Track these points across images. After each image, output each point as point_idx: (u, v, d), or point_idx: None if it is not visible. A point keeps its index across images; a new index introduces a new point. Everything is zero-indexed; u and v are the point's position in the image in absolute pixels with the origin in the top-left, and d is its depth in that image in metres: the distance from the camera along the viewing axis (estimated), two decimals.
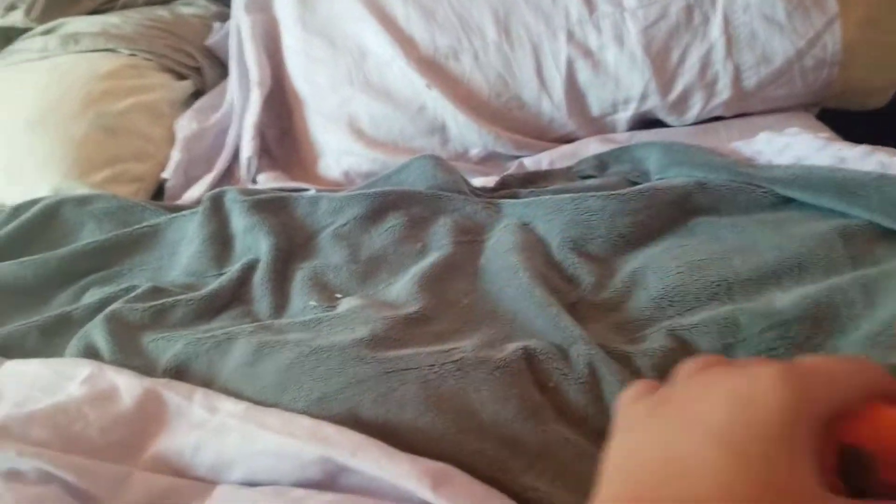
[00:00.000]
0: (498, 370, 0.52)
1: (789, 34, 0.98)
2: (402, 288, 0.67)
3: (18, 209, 0.85)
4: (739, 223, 0.68)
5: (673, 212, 0.70)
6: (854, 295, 0.55)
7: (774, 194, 0.70)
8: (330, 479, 0.48)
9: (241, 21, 1.13)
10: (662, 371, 0.52)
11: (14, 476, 0.47)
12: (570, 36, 1.01)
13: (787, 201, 0.70)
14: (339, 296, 0.67)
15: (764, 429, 0.24)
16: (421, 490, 0.44)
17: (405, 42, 1.03)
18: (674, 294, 0.60)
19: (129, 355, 0.61)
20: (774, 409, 0.24)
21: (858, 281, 0.56)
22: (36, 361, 0.60)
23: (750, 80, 1.00)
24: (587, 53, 1.01)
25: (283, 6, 1.12)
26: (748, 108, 1.04)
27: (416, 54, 1.03)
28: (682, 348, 0.54)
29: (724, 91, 1.00)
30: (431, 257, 0.70)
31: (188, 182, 1.03)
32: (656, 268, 0.63)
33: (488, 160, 1.04)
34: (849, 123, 1.08)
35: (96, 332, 0.63)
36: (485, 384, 0.50)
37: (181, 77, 1.18)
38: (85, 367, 0.57)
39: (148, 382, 0.55)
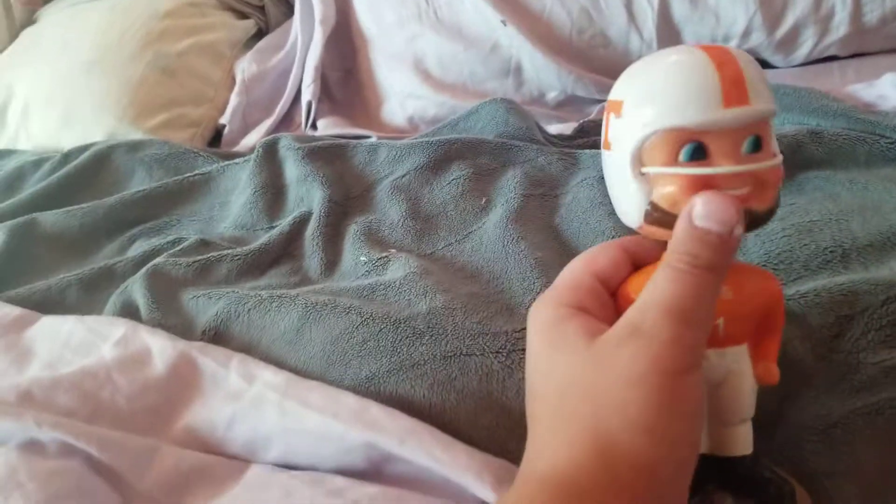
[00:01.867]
0: None
1: None
2: (462, 249, 0.61)
3: (69, 155, 0.82)
4: (859, 179, 0.58)
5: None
6: None
7: None
8: (374, 469, 0.43)
9: None
10: None
11: (33, 448, 0.43)
12: None
13: None
14: (392, 250, 0.61)
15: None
16: (479, 488, 0.38)
17: None
18: (778, 260, 0.51)
19: (168, 313, 0.57)
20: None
21: None
22: (72, 318, 0.56)
23: (872, 14, 0.87)
24: None
25: None
26: (868, 46, 0.91)
27: None
28: (789, 321, 0.46)
29: (840, 27, 0.88)
30: (496, 214, 0.63)
31: (247, 127, 0.99)
32: (759, 230, 0.54)
33: (567, 104, 0.95)
34: None
35: (136, 287, 0.59)
36: None
37: (243, 16, 1.13)
38: (120, 327, 0.53)
39: (182, 346, 0.50)
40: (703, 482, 0.32)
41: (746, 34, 0.89)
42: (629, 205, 0.32)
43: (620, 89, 0.32)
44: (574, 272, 0.33)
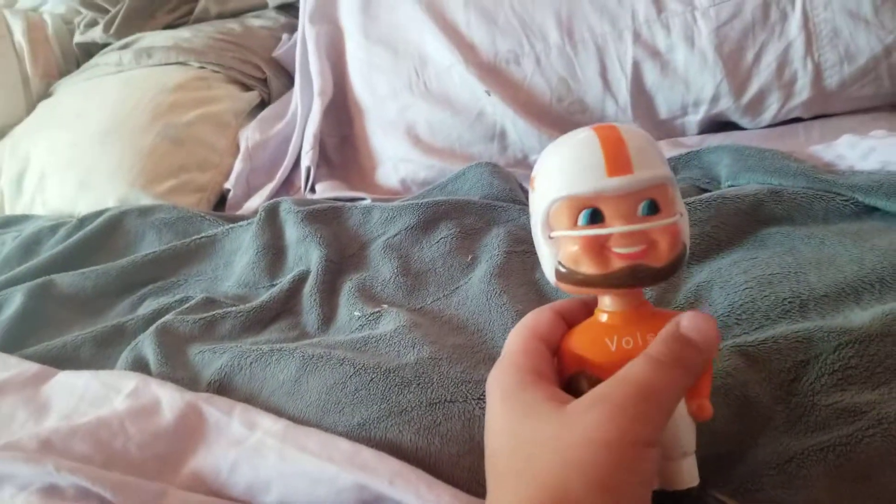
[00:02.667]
0: None
1: (876, 30, 0.91)
2: (449, 303, 0.65)
3: (84, 220, 0.88)
4: (816, 234, 0.63)
5: (743, 222, 0.65)
6: None
7: (856, 203, 0.64)
8: None
9: (306, 32, 1.14)
10: (729, 392, 0.48)
11: (52, 491, 0.47)
12: (637, 36, 0.97)
13: (871, 210, 0.64)
14: (385, 305, 0.66)
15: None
16: None
17: (466, 48, 1.01)
18: (741, 311, 0.55)
19: (176, 367, 0.61)
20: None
21: None
22: (87, 373, 0.61)
23: (832, 80, 0.93)
24: (655, 54, 0.96)
25: (347, 16, 1.12)
26: (830, 108, 0.97)
27: (476, 60, 1.01)
28: (749, 366, 0.50)
29: (803, 91, 0.94)
30: (481, 270, 0.68)
31: (250, 191, 1.05)
32: (723, 282, 0.58)
33: None
34: None
35: (146, 343, 0.64)
36: None
37: (247, 88, 1.20)
38: (131, 381, 0.58)
39: (190, 396, 0.55)
40: None
41: (715, 100, 0.95)
42: (545, 265, 0.37)
43: (535, 167, 0.38)
44: (524, 339, 0.37)
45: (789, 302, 0.55)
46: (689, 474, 0.37)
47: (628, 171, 0.34)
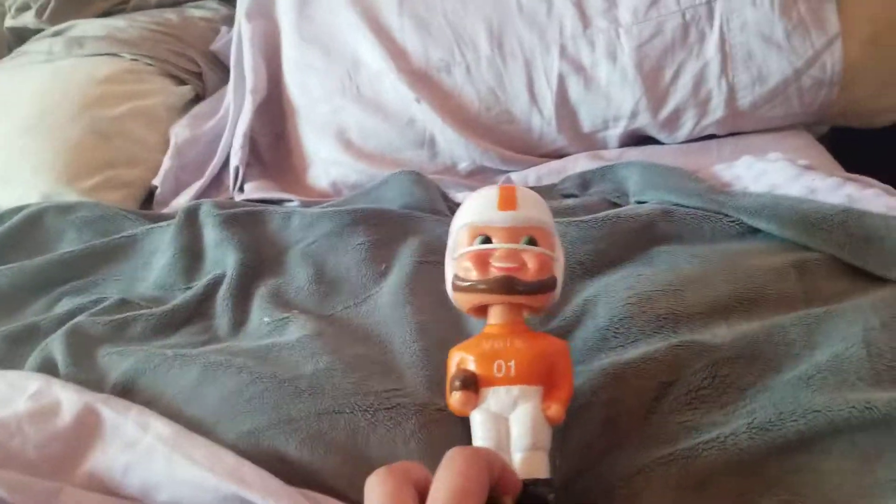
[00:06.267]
0: (433, 423, 0.51)
1: (787, 54, 0.96)
2: (359, 312, 0.68)
3: (2, 217, 0.87)
4: (700, 253, 0.67)
5: (636, 240, 0.69)
6: (795, 335, 0.54)
7: (741, 223, 0.69)
8: None
9: (242, 27, 1.14)
10: (594, 409, 0.51)
11: None
12: (563, 50, 1.00)
13: (755, 231, 0.69)
14: (295, 311, 0.67)
15: None
16: None
17: (398, 54, 1.03)
18: (619, 325, 0.58)
19: (83, 369, 0.62)
20: None
21: (803, 321, 0.54)
22: None
23: (745, 100, 0.98)
24: (579, 69, 0.99)
25: (283, 13, 1.12)
26: (743, 126, 1.02)
27: (408, 67, 1.03)
28: (617, 385, 0.53)
29: (717, 110, 0.98)
30: (392, 279, 0.70)
31: (179, 189, 1.05)
32: (608, 297, 0.62)
33: (477, 174, 1.04)
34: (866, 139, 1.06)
35: (55, 344, 0.65)
36: (414, 437, 0.49)
37: (182, 82, 1.20)
38: (35, 382, 0.59)
39: (88, 397, 0.56)
40: None
41: (634, 115, 0.99)
42: (448, 281, 0.48)
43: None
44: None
45: (664, 318, 0.58)
46: (536, 467, 0.41)
47: (513, 208, 0.47)
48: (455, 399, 0.43)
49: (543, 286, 0.45)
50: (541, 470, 0.41)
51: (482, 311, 0.47)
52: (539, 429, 0.42)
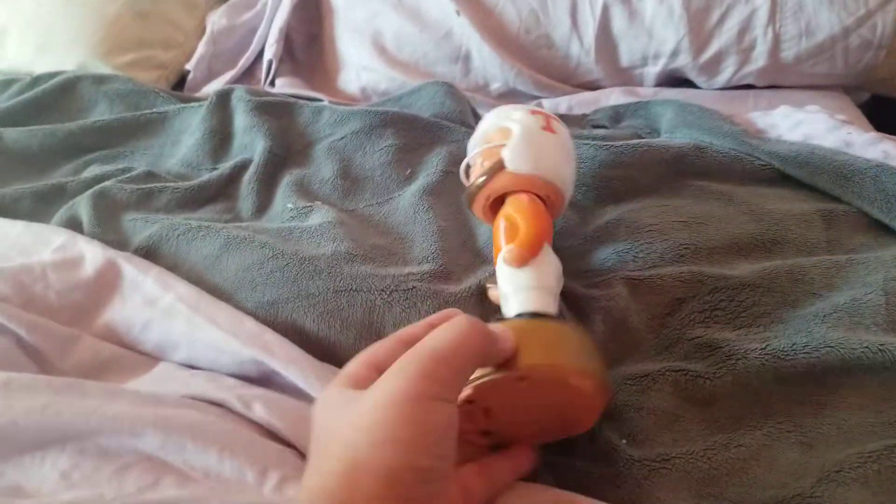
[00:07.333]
0: (447, 306, 0.52)
1: (838, 9, 0.94)
2: (380, 210, 0.68)
3: (38, 79, 0.88)
4: (729, 192, 0.67)
5: (665, 171, 0.69)
6: (815, 275, 0.54)
7: (773, 168, 0.68)
8: (264, 378, 0.50)
9: None
10: (609, 314, 0.52)
11: None
12: None
13: (786, 178, 0.68)
14: (318, 202, 0.68)
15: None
16: None
17: None
18: (639, 250, 0.59)
19: (108, 230, 0.63)
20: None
21: (824, 264, 0.55)
22: (21, 224, 0.63)
23: (789, 52, 0.96)
24: (625, 1, 0.98)
25: None
26: (782, 80, 1.00)
27: None
28: (633, 295, 0.54)
29: (759, 59, 0.97)
30: (416, 185, 0.70)
31: (210, 76, 1.05)
32: (630, 222, 0.62)
33: (508, 96, 1.03)
34: None
35: (82, 204, 0.66)
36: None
37: None
38: (60, 235, 0.60)
39: (111, 253, 0.57)
40: None
41: (674, 54, 0.97)
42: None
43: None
44: (356, 364, 0.39)
45: (685, 247, 0.59)
46: (552, 303, 0.45)
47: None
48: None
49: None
50: (553, 308, 0.45)
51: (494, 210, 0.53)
52: (550, 271, 0.47)
